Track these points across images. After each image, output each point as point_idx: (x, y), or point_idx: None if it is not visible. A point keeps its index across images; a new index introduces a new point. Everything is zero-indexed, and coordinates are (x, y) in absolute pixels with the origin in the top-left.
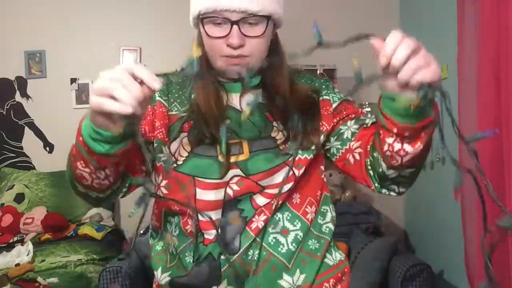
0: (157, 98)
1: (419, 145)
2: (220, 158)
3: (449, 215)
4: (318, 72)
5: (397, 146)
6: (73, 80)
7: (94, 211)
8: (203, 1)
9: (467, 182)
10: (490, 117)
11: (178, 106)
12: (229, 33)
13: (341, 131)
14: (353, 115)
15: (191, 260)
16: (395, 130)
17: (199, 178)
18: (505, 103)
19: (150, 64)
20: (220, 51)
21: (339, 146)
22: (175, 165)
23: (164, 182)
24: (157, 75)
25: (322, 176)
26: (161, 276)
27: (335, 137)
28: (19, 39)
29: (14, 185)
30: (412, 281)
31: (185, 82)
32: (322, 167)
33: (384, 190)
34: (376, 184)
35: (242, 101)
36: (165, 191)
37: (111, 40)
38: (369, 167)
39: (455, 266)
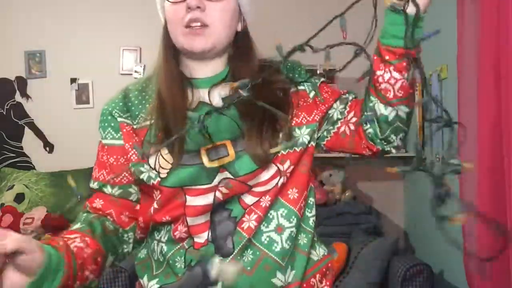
0: (119, 119)
1: (404, 74)
2: (207, 164)
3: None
4: (318, 72)
5: (387, 75)
6: (73, 80)
7: None
8: None
9: (467, 182)
10: (490, 117)
11: (144, 116)
12: None
13: (330, 114)
14: (336, 96)
15: (182, 266)
16: (387, 57)
17: (188, 187)
18: (505, 103)
19: (150, 64)
20: (181, 21)
21: (330, 127)
22: (159, 179)
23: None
24: (115, 96)
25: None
26: (149, 284)
27: (325, 122)
28: (19, 39)
29: (14, 185)
30: (412, 281)
31: (145, 88)
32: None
33: (386, 146)
34: (378, 140)
35: (210, 96)
36: (156, 206)
37: (111, 40)
38: (366, 130)
39: (455, 266)
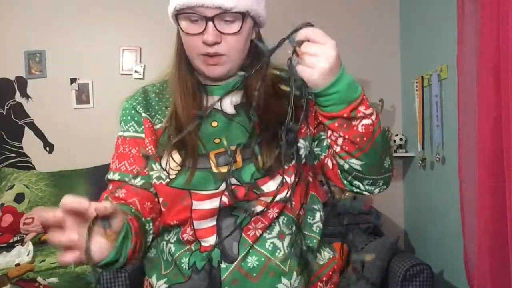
0: (143, 114)
1: (339, 132)
2: (214, 169)
3: (449, 215)
4: None
5: (329, 132)
6: (73, 80)
7: None
8: None
9: (467, 182)
10: (490, 117)
11: (160, 117)
12: (204, 29)
13: (322, 137)
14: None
15: (187, 267)
16: (320, 118)
17: (194, 191)
18: (505, 103)
19: (150, 64)
20: (196, 49)
21: (319, 152)
22: (168, 180)
23: (160, 200)
24: (134, 94)
25: (309, 177)
26: (157, 284)
27: (316, 142)
28: (19, 39)
29: (14, 185)
30: (412, 281)
31: (163, 91)
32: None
33: (352, 187)
34: (345, 182)
35: (222, 104)
36: (162, 208)
37: (111, 40)
38: (338, 167)
39: (455, 266)
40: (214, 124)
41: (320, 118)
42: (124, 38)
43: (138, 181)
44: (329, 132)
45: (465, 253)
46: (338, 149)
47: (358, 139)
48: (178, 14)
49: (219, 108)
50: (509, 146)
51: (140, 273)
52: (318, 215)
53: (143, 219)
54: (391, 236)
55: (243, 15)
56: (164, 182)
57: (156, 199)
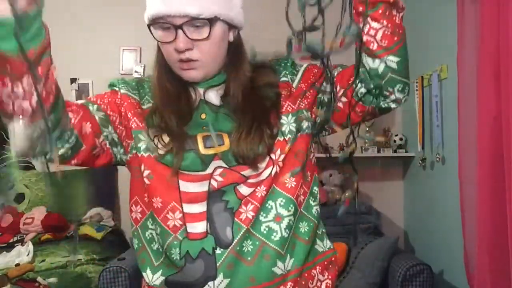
0: (122, 91)
1: (382, 21)
2: (202, 151)
3: (449, 215)
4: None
5: (366, 28)
6: (73, 80)
7: (94, 211)
8: (149, 8)
9: (467, 182)
10: (490, 117)
11: (150, 99)
12: (175, 37)
13: (320, 98)
14: (322, 78)
15: (178, 257)
16: (360, 9)
17: (182, 171)
18: (505, 102)
19: (150, 64)
20: (172, 56)
21: (327, 110)
22: (156, 154)
23: (146, 172)
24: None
25: (311, 157)
26: (153, 277)
27: (319, 107)
28: None
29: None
30: (412, 281)
31: None
32: (310, 148)
33: (382, 102)
34: (372, 98)
35: (206, 96)
36: (147, 181)
37: (111, 40)
38: (358, 91)
39: (455, 266)
40: (203, 116)
41: (361, 9)
42: (124, 38)
43: (99, 114)
44: (366, 28)
45: (465, 253)
46: (375, 46)
47: (397, 30)
48: (151, 24)
49: (207, 100)
50: (509, 146)
51: (140, 273)
52: (318, 198)
53: (71, 125)
54: (391, 236)
55: (211, 21)
56: (152, 156)
57: (98, 140)
